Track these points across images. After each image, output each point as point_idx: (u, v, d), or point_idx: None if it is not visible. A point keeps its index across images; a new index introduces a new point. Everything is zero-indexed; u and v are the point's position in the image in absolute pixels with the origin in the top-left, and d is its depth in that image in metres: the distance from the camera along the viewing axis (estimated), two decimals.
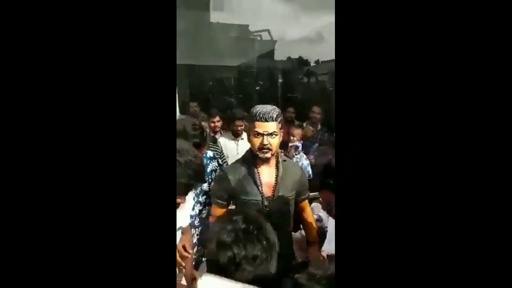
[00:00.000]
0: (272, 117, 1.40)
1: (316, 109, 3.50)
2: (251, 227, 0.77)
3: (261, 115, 1.39)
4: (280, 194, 1.47)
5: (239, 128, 2.88)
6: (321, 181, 1.23)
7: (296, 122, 3.20)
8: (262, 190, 1.46)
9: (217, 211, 1.53)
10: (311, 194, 1.66)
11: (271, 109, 1.42)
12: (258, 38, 7.22)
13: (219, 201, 1.52)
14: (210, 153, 1.96)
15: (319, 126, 3.45)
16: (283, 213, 1.49)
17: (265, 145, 1.40)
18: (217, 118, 2.99)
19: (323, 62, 8.10)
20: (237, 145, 2.92)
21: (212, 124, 2.96)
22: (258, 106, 1.45)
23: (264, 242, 0.77)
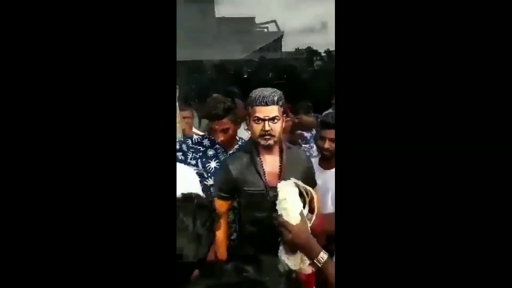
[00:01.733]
0: (274, 101, 1.29)
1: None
2: None
3: (261, 99, 1.28)
4: None
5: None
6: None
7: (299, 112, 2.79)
8: (265, 179, 1.35)
9: (220, 204, 1.44)
10: None
11: (271, 92, 1.30)
12: (265, 30, 7.05)
13: (221, 193, 1.43)
14: None
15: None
16: None
17: (267, 131, 1.29)
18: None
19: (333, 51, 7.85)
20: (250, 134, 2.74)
21: None
22: (257, 89, 1.34)
23: None
